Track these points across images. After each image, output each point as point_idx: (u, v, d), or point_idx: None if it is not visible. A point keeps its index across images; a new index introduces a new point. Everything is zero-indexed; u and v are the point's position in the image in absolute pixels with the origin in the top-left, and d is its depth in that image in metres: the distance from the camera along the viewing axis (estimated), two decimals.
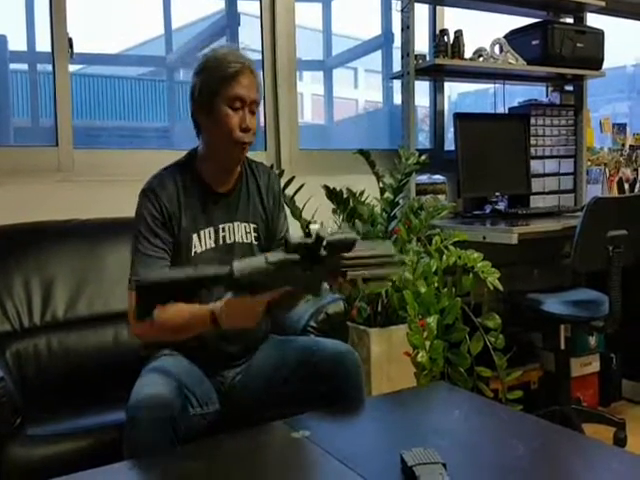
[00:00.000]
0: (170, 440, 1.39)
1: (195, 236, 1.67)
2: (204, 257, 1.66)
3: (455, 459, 1.21)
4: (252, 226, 1.75)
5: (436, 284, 2.31)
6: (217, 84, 1.61)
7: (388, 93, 3.55)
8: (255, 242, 1.75)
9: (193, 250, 1.66)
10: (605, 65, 3.36)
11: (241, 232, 1.73)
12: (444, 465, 1.16)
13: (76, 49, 2.44)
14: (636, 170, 3.70)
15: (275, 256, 1.35)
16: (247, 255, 1.67)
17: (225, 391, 1.69)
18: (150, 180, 1.68)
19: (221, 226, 1.70)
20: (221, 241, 1.70)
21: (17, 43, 2.72)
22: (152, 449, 1.36)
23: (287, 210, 1.99)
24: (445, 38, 2.94)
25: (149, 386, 1.44)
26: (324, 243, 1.31)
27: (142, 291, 1.33)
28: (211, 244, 1.68)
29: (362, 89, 4.45)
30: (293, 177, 2.55)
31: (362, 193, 2.72)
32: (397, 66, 2.99)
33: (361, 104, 4.56)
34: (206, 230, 1.68)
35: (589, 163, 3.54)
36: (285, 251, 1.34)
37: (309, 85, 3.91)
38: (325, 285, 1.42)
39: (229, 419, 1.64)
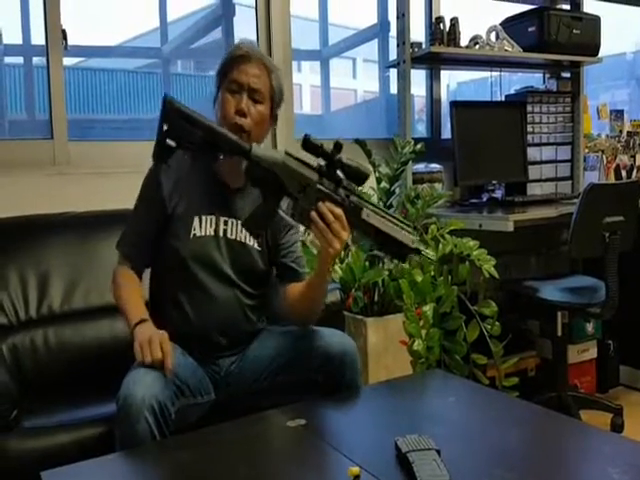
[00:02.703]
0: (161, 431, 1.39)
1: (197, 218, 1.66)
2: (202, 242, 1.66)
3: (450, 445, 1.21)
4: None
5: (432, 273, 2.31)
6: (222, 67, 1.68)
7: (385, 82, 3.54)
8: (258, 248, 1.72)
9: (192, 232, 1.66)
10: (605, 52, 3.35)
11: (245, 232, 1.70)
12: (438, 451, 1.16)
13: (71, 42, 2.43)
14: (633, 157, 3.68)
15: (295, 154, 1.44)
16: (246, 257, 1.69)
17: (220, 380, 1.69)
18: None
19: (223, 218, 1.68)
20: (221, 233, 1.68)
21: (12, 36, 2.70)
22: (143, 440, 1.36)
23: None
24: (441, 26, 2.92)
25: (139, 377, 1.44)
26: (341, 159, 1.41)
27: (169, 107, 1.36)
28: (211, 232, 1.67)
29: (361, 79, 4.43)
30: None
31: None
32: (393, 55, 2.98)
33: (360, 94, 4.54)
34: (208, 217, 1.67)
35: (586, 150, 3.54)
36: (303, 150, 1.43)
37: (308, 76, 3.90)
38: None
39: (224, 408, 1.64)
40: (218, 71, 1.70)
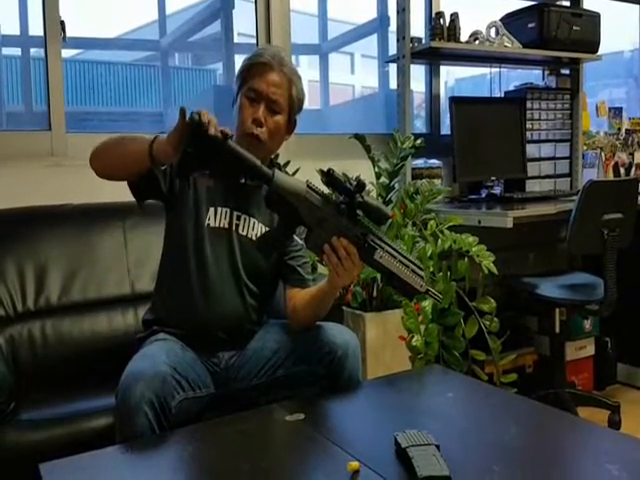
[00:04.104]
0: (160, 425, 1.39)
1: (212, 209, 1.67)
2: (216, 233, 1.66)
3: (449, 441, 1.22)
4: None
5: (431, 268, 2.31)
6: (242, 71, 1.67)
7: (384, 78, 3.53)
8: None
9: (207, 222, 1.66)
10: (602, 50, 3.35)
11: (257, 231, 1.71)
12: (437, 446, 1.16)
13: (69, 34, 2.42)
14: (632, 154, 3.69)
15: (318, 187, 1.43)
16: (254, 255, 1.66)
17: (220, 373, 1.68)
18: None
19: (236, 213, 1.69)
20: (234, 227, 1.69)
21: (10, 27, 2.69)
22: (143, 434, 1.36)
23: None
24: (441, 21, 2.91)
25: (138, 371, 1.43)
26: (362, 198, 1.39)
27: (194, 124, 1.32)
28: (225, 224, 1.68)
29: (359, 75, 4.43)
30: (288, 161, 2.53)
31: None
32: (393, 50, 2.97)
33: (358, 90, 4.54)
34: (223, 209, 1.68)
35: (585, 147, 3.54)
36: (325, 184, 1.42)
37: (307, 71, 3.89)
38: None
39: (224, 402, 1.63)
40: (238, 74, 1.69)
